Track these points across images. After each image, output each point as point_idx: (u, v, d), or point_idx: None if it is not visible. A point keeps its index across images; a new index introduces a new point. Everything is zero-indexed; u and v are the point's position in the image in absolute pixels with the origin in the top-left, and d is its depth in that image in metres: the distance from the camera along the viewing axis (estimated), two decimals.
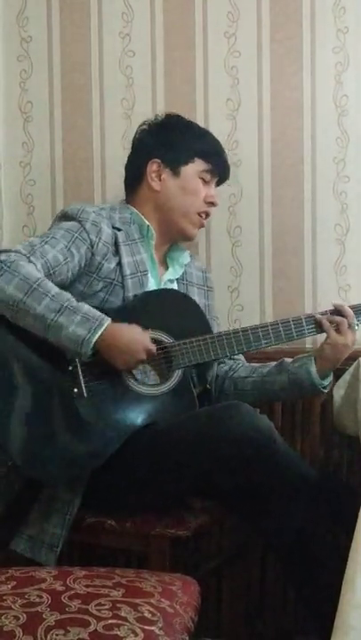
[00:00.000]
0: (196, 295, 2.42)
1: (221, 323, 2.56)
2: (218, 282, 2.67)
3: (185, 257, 2.43)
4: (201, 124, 2.62)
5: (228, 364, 2.42)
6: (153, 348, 2.13)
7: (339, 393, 2.47)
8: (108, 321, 2.07)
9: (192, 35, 2.71)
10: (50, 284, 2.08)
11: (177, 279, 2.42)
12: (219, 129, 2.68)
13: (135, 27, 2.75)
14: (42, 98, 2.82)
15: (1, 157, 2.85)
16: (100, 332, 2.04)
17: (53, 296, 2.06)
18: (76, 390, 2.11)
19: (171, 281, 2.40)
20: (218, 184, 2.44)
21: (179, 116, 2.44)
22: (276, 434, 2.08)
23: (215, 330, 2.37)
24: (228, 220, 2.72)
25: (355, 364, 2.42)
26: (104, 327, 2.05)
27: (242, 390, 2.38)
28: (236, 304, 2.72)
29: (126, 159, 2.46)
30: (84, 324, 2.04)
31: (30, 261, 2.11)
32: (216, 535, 2.59)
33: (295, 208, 2.69)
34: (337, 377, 2.50)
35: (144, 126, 2.43)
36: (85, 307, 2.08)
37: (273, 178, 2.70)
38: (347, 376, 2.45)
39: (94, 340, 2.04)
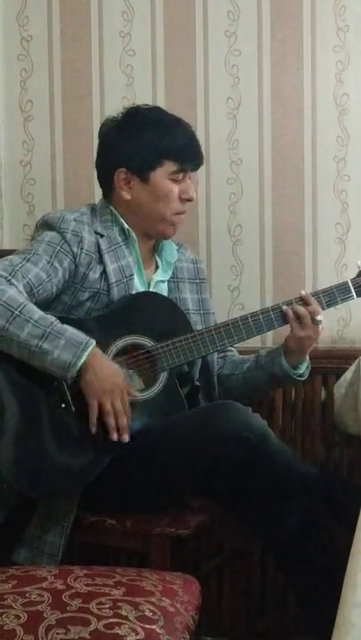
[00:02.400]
0: (187, 291, 2.38)
1: (218, 320, 2.55)
2: (218, 280, 2.67)
3: (173, 254, 2.36)
4: (201, 122, 2.63)
5: (220, 363, 2.40)
6: (130, 390, 2.09)
7: (340, 392, 2.48)
8: (92, 344, 2.04)
9: (192, 33, 2.72)
10: (32, 308, 2.04)
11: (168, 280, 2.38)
12: (219, 128, 2.69)
13: (135, 26, 2.75)
14: (42, 97, 2.83)
15: (1, 156, 2.85)
16: (85, 356, 2.01)
17: (36, 321, 2.02)
18: (63, 405, 2.09)
19: (161, 282, 2.36)
20: (193, 170, 2.34)
21: (138, 109, 2.31)
22: (269, 432, 2.07)
23: (212, 324, 2.36)
24: (229, 218, 2.73)
25: (355, 362, 2.42)
26: (89, 350, 2.02)
27: (228, 389, 2.36)
28: (237, 303, 2.72)
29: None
30: (70, 348, 2.01)
31: (12, 284, 2.07)
32: (216, 534, 2.58)
33: (296, 207, 2.69)
34: (338, 375, 2.51)
35: (106, 126, 2.33)
36: (69, 330, 2.04)
37: (273, 177, 2.70)
38: (348, 375, 2.45)
39: (80, 363, 2.01)
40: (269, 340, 2.62)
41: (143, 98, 2.71)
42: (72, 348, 2.01)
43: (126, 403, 2.07)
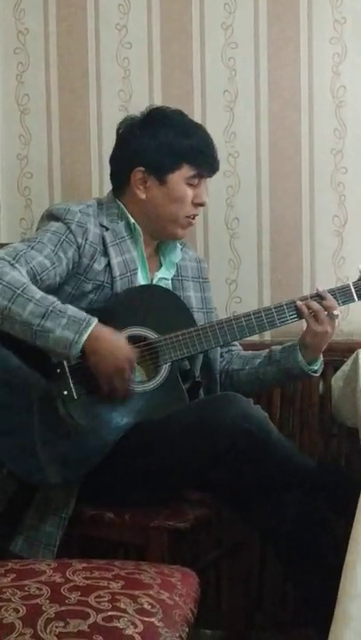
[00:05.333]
0: (191, 289, 2.39)
1: (219, 315, 2.55)
2: (216, 274, 2.67)
3: (177, 255, 2.37)
4: (198, 115, 2.62)
5: (225, 358, 2.40)
6: (134, 357, 2.11)
7: (338, 384, 2.48)
8: (94, 321, 2.05)
9: (189, 26, 2.71)
10: (34, 289, 2.06)
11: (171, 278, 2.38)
12: (216, 121, 2.69)
13: (132, 18, 2.74)
14: (39, 90, 2.82)
15: None
16: (87, 333, 2.03)
17: (38, 301, 2.03)
18: (65, 393, 2.09)
19: (165, 279, 2.36)
20: (209, 177, 2.36)
21: (161, 110, 2.34)
22: (270, 424, 2.08)
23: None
24: (226, 212, 2.72)
25: (353, 355, 2.42)
26: (91, 327, 2.03)
27: (238, 383, 2.37)
28: (235, 296, 2.72)
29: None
30: (71, 326, 2.02)
31: (14, 267, 2.08)
32: (215, 527, 2.58)
33: (293, 200, 2.69)
34: (336, 368, 2.51)
35: (127, 123, 2.33)
36: (70, 308, 2.05)
37: (271, 169, 2.70)
38: (345, 367, 2.45)
39: (83, 340, 2.02)
40: (267, 336, 2.62)
41: (140, 91, 2.71)
42: (74, 325, 2.02)
43: (126, 380, 2.10)
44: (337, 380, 2.48)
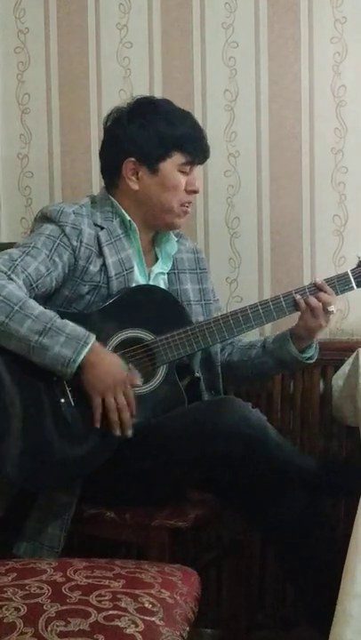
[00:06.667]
0: (188, 282, 2.37)
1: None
2: (216, 273, 2.67)
3: (172, 247, 2.35)
4: (199, 115, 2.62)
5: (227, 350, 2.40)
6: (133, 380, 2.09)
7: (338, 383, 2.48)
8: (92, 339, 2.03)
9: (190, 26, 2.71)
10: (32, 304, 2.04)
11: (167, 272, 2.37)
12: (217, 120, 2.69)
13: (132, 18, 2.74)
14: (39, 90, 2.82)
15: None
16: (85, 352, 2.01)
17: (36, 317, 2.01)
18: (62, 400, 2.08)
19: (161, 274, 2.35)
20: (200, 163, 2.35)
21: (149, 99, 2.34)
22: (269, 427, 2.08)
23: (214, 313, 2.36)
24: (227, 211, 2.72)
25: (354, 354, 2.42)
26: (89, 346, 2.02)
27: (239, 375, 2.38)
28: (235, 295, 2.72)
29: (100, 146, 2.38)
30: (69, 343, 2.00)
31: (11, 279, 2.06)
32: (215, 526, 2.59)
33: (294, 199, 2.69)
34: (336, 368, 2.51)
35: (114, 115, 2.32)
36: (69, 326, 2.03)
37: (271, 169, 2.70)
38: (346, 367, 2.45)
39: (80, 359, 2.01)
40: (268, 329, 2.62)
41: (140, 90, 2.70)
42: (72, 343, 2.00)
43: (130, 395, 2.07)
44: (337, 380, 2.49)
